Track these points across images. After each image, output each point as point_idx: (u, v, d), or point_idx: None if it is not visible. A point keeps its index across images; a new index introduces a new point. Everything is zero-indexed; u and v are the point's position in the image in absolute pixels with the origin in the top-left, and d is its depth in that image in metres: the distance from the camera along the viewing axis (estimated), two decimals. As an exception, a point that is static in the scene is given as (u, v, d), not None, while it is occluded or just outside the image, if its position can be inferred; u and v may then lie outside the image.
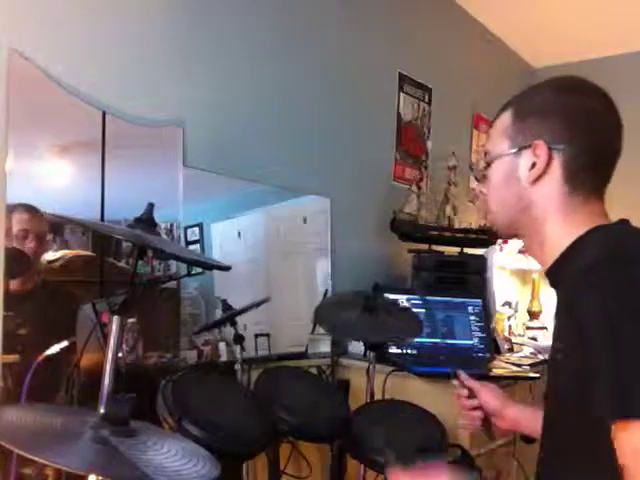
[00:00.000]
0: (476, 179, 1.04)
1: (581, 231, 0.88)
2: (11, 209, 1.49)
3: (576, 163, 0.90)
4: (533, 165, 0.91)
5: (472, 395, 1.26)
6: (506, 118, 0.95)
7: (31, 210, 1.52)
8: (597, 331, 0.74)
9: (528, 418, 1.17)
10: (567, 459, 0.87)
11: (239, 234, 2.16)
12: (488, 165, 0.97)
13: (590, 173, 0.91)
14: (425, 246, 2.63)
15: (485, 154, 0.99)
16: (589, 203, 0.91)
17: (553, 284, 0.94)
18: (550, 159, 0.90)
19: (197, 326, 1.91)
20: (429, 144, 3.02)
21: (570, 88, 0.94)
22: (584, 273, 0.79)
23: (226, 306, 1.81)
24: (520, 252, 3.14)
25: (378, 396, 1.88)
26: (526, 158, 0.92)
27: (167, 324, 1.84)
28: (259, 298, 1.89)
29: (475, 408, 1.24)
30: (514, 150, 0.93)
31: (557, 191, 0.91)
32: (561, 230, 0.90)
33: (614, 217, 0.91)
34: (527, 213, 0.93)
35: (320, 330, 2.11)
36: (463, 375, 1.28)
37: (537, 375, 2.15)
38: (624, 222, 0.89)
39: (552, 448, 0.92)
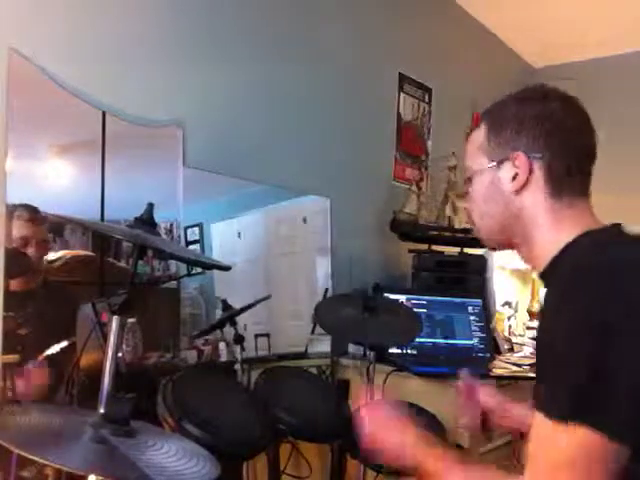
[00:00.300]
0: (465, 195, 1.06)
1: (571, 236, 0.89)
2: (12, 210, 1.48)
3: (557, 168, 0.92)
4: (515, 176, 0.93)
5: (472, 394, 1.29)
6: (480, 133, 0.98)
7: (32, 212, 1.52)
8: (546, 336, 0.80)
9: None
10: None
11: (239, 234, 2.16)
12: (469, 180, 1.00)
13: (572, 176, 0.93)
14: (425, 246, 2.63)
15: (466, 171, 1.01)
16: (575, 205, 0.92)
17: (545, 285, 0.95)
18: (530, 169, 0.92)
19: (197, 327, 1.91)
20: (429, 144, 3.02)
21: (536, 97, 0.96)
22: (563, 276, 0.83)
23: (226, 306, 1.81)
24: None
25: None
26: (507, 170, 0.94)
27: (167, 324, 1.84)
28: (259, 298, 1.89)
29: (475, 406, 1.28)
30: (493, 164, 0.95)
31: (541, 198, 0.92)
32: (550, 235, 0.92)
33: (620, 217, 0.92)
34: (515, 222, 0.95)
35: (320, 330, 2.10)
36: (464, 374, 1.31)
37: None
38: (616, 226, 0.90)
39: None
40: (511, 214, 0.95)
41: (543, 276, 0.95)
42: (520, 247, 0.99)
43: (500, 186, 0.95)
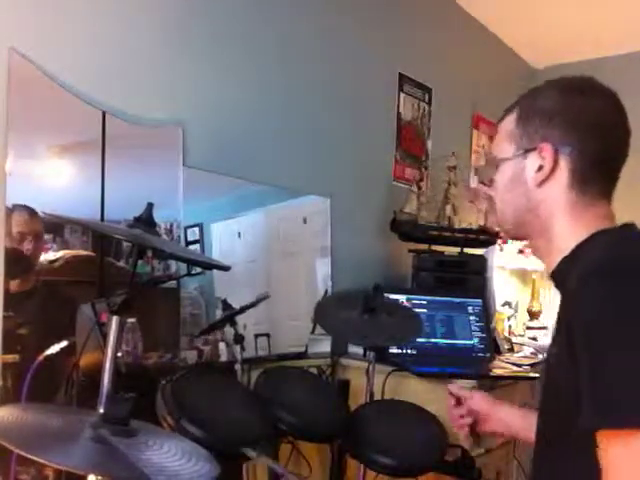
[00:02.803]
0: (482, 183, 1.03)
1: (586, 234, 0.87)
2: (10, 210, 1.48)
3: (582, 165, 0.89)
4: (540, 168, 0.90)
5: (460, 403, 1.31)
6: (511, 121, 0.95)
7: (29, 211, 1.52)
8: (582, 343, 0.75)
9: (518, 420, 1.19)
10: (558, 461, 0.87)
11: (239, 234, 2.16)
12: (495, 168, 0.97)
13: (597, 175, 0.90)
14: (425, 246, 2.63)
15: (491, 157, 0.99)
16: (596, 205, 0.91)
17: (557, 286, 0.93)
18: (556, 162, 0.89)
19: (197, 327, 1.90)
20: (429, 144, 3.02)
21: (576, 89, 0.93)
22: (579, 281, 0.79)
23: (226, 306, 1.81)
24: (520, 252, 3.14)
25: (378, 396, 1.88)
26: (532, 161, 0.91)
27: (167, 324, 1.84)
28: (259, 297, 1.89)
29: (462, 416, 1.29)
30: (520, 153, 0.93)
31: (564, 193, 0.90)
32: (567, 232, 0.90)
33: (622, 218, 0.91)
34: (534, 214, 0.93)
35: (320, 330, 2.10)
36: (453, 387, 1.34)
37: (537, 375, 2.15)
38: (629, 226, 0.89)
39: (544, 449, 0.92)
40: (531, 206, 0.93)
41: (553, 276, 0.93)
42: (536, 241, 0.97)
43: (523, 176, 0.92)
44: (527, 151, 0.92)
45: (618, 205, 0.95)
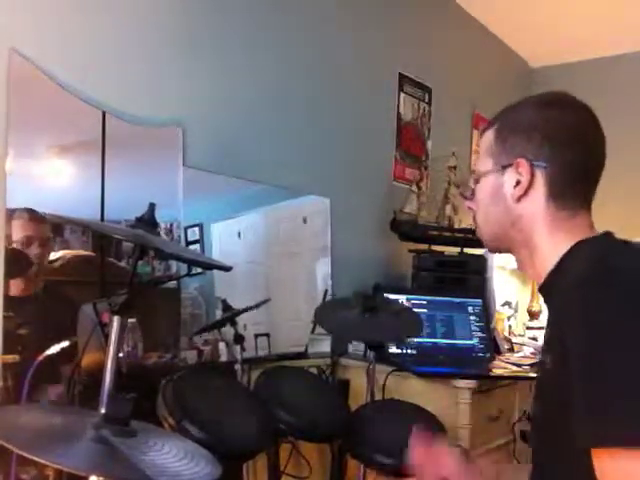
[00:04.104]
0: (464, 197, 1.04)
1: (568, 246, 0.88)
2: (12, 213, 1.48)
3: (560, 179, 0.90)
4: (517, 183, 0.91)
5: (429, 454, 1.05)
6: (489, 136, 0.96)
7: (33, 215, 1.52)
8: (576, 357, 0.75)
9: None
10: (556, 474, 0.87)
11: (239, 234, 2.16)
12: (476, 182, 0.99)
13: (574, 188, 0.91)
14: (425, 246, 2.63)
15: (473, 172, 1.01)
16: (575, 216, 0.91)
17: (546, 298, 0.94)
18: (533, 176, 0.90)
19: (197, 328, 1.91)
20: (429, 144, 3.02)
21: (549, 103, 0.94)
22: (566, 293, 0.80)
23: (226, 306, 1.81)
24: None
25: (378, 396, 1.88)
26: (510, 176, 0.92)
27: (167, 324, 1.84)
28: (259, 298, 1.89)
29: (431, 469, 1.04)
30: (498, 168, 0.94)
31: (542, 207, 0.91)
32: (549, 244, 0.91)
33: (625, 223, 0.91)
34: (515, 229, 0.94)
35: (320, 330, 2.11)
36: (418, 429, 1.11)
37: (537, 375, 2.15)
38: (608, 234, 0.89)
39: (541, 458, 0.92)
40: (511, 220, 0.94)
41: (541, 289, 0.94)
42: (519, 254, 0.97)
43: (502, 191, 0.93)
44: (505, 167, 0.93)
45: (618, 210, 0.95)
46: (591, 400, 0.72)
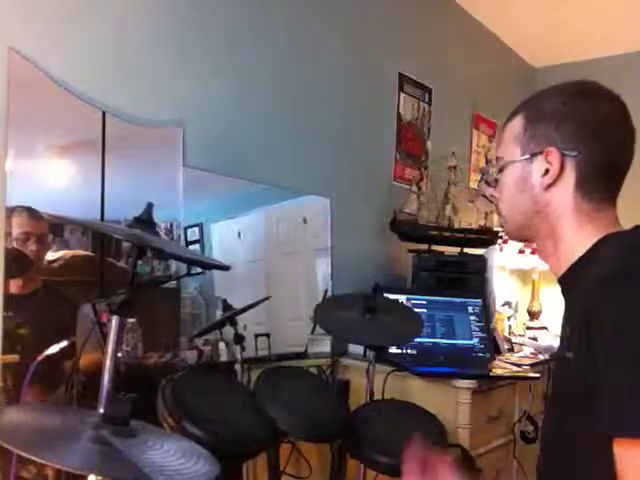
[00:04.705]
0: (487, 183, 1.02)
1: (594, 238, 0.88)
2: (11, 211, 1.48)
3: (588, 169, 0.90)
4: (546, 171, 0.91)
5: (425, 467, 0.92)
6: (517, 124, 0.95)
7: (33, 213, 1.52)
8: (607, 347, 0.74)
9: None
10: (569, 471, 0.86)
11: (239, 234, 2.16)
12: (501, 170, 0.97)
13: (602, 179, 0.91)
14: (425, 246, 2.63)
15: (497, 159, 0.99)
16: (602, 210, 0.91)
17: (566, 291, 0.93)
18: (563, 166, 0.90)
19: (197, 327, 1.90)
20: (429, 144, 3.02)
21: (582, 93, 0.93)
22: (600, 284, 0.79)
23: (226, 306, 1.81)
24: (520, 252, 3.14)
25: (378, 396, 1.88)
26: (539, 164, 0.91)
27: (167, 324, 1.84)
28: (259, 298, 1.89)
29: None
30: (526, 157, 0.93)
31: (570, 197, 0.91)
32: (575, 236, 0.90)
33: (625, 223, 0.91)
34: (540, 218, 0.94)
35: (320, 330, 2.10)
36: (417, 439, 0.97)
37: (537, 375, 2.15)
38: (638, 228, 0.89)
39: (553, 458, 0.91)
40: (537, 209, 0.93)
41: (562, 280, 0.93)
42: (542, 244, 0.97)
43: (530, 180, 0.93)
44: (534, 155, 0.92)
45: (618, 205, 0.95)
46: (617, 388, 0.71)
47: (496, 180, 0.99)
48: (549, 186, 0.91)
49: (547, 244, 0.95)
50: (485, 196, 1.04)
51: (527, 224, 0.96)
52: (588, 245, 0.88)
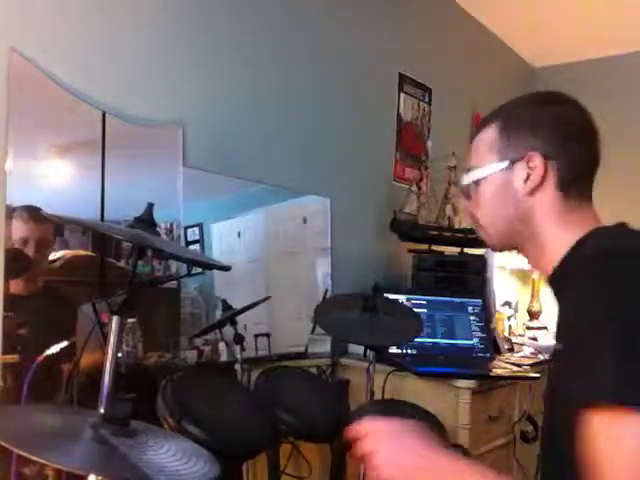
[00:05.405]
0: (466, 196, 1.03)
1: (578, 236, 0.89)
2: (13, 211, 1.48)
3: (568, 170, 0.92)
4: (527, 176, 0.92)
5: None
6: (491, 133, 0.96)
7: (33, 211, 1.52)
8: (589, 321, 0.74)
9: None
10: (564, 464, 0.86)
11: (239, 234, 2.16)
12: (477, 181, 0.98)
13: (580, 179, 0.94)
14: (425, 246, 2.63)
15: (470, 170, 0.99)
16: (582, 208, 0.93)
17: (556, 290, 0.93)
18: (545, 169, 0.91)
19: (197, 327, 1.90)
20: (429, 144, 3.02)
21: (551, 100, 0.97)
22: (580, 265, 0.82)
23: (226, 306, 1.81)
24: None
25: (378, 396, 1.88)
26: (519, 170, 0.93)
27: (167, 324, 1.84)
28: (259, 298, 1.89)
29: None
30: (506, 164, 0.94)
31: (552, 199, 0.92)
32: (560, 236, 0.91)
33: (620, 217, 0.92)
34: (524, 222, 0.94)
35: (320, 330, 2.10)
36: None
37: (537, 375, 2.15)
38: (622, 225, 0.90)
39: (549, 453, 0.91)
40: (520, 215, 0.94)
41: (551, 280, 0.93)
42: (528, 249, 0.98)
43: (511, 187, 0.94)
44: (514, 162, 0.93)
45: (619, 205, 0.95)
46: (604, 358, 0.70)
47: (472, 191, 1.00)
48: (532, 190, 0.92)
49: (533, 249, 0.96)
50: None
51: (511, 232, 0.97)
52: (572, 243, 0.89)
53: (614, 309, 0.72)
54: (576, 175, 0.93)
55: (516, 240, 0.98)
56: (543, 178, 0.91)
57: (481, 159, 0.98)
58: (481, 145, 0.98)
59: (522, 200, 0.93)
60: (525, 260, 1.01)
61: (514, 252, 1.02)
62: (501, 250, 1.07)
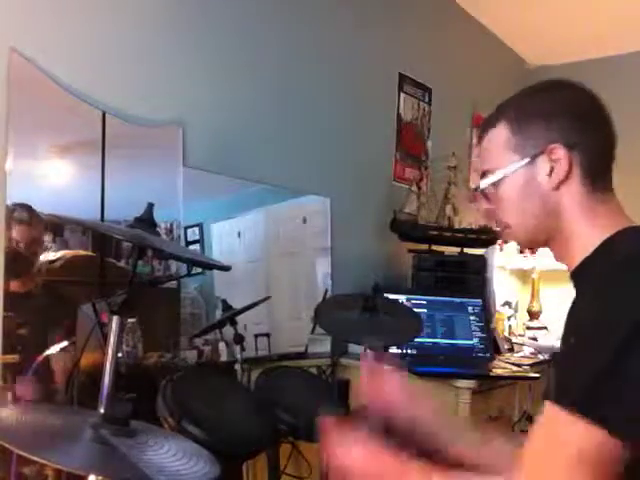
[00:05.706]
0: (487, 199, 0.97)
1: (607, 232, 0.86)
2: (10, 209, 1.48)
3: (591, 160, 0.88)
4: (551, 169, 0.88)
5: (376, 377, 1.06)
6: (501, 131, 0.92)
7: (25, 211, 1.52)
8: (600, 322, 0.74)
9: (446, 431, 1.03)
10: None
11: (239, 234, 2.16)
12: (495, 184, 0.93)
13: (602, 167, 0.90)
14: (425, 246, 2.63)
15: (485, 173, 0.95)
16: (608, 200, 0.89)
17: (577, 285, 0.90)
18: (570, 161, 0.87)
19: (197, 327, 1.90)
20: (429, 144, 3.02)
21: (558, 86, 0.92)
22: (608, 268, 0.79)
23: (226, 306, 1.81)
24: (520, 252, 3.14)
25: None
26: (542, 164, 0.88)
27: (167, 324, 1.84)
28: (259, 298, 1.89)
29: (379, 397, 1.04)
30: (527, 160, 0.89)
31: (579, 191, 0.88)
32: (587, 230, 0.88)
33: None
34: (553, 217, 0.90)
35: (320, 330, 2.10)
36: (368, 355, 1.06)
37: (537, 375, 2.15)
38: None
39: None
40: (549, 210, 0.90)
41: (574, 275, 0.90)
42: (556, 245, 0.94)
43: (535, 182, 0.89)
44: (534, 156, 0.89)
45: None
46: (572, 367, 0.74)
47: (493, 194, 0.95)
48: (558, 185, 0.88)
49: (561, 243, 0.92)
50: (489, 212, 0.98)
51: (540, 228, 0.93)
52: (603, 237, 0.86)
53: (629, 320, 0.72)
54: (599, 163, 0.89)
55: (545, 236, 0.93)
56: (568, 171, 0.87)
57: (497, 160, 0.93)
58: (493, 146, 0.94)
59: (548, 195, 0.89)
60: (528, 258, 0.99)
61: (543, 247, 0.98)
62: (531, 247, 1.04)
